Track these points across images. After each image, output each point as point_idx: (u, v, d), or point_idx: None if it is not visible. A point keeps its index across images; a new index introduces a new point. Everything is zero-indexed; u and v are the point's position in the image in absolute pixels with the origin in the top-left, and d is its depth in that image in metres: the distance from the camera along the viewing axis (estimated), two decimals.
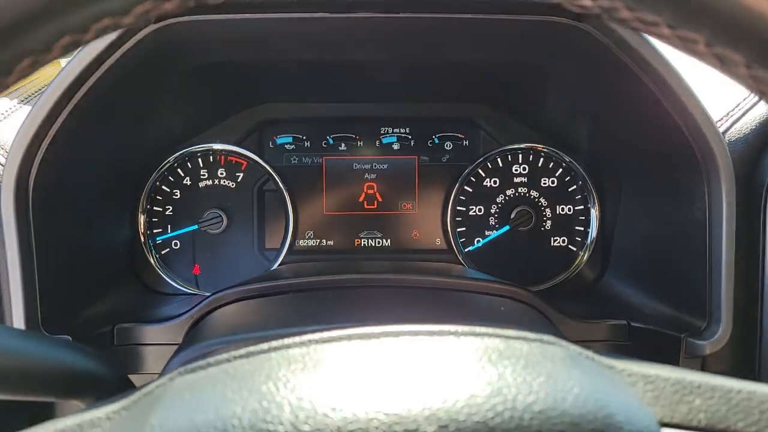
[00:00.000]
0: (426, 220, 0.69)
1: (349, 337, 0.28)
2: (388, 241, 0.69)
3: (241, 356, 0.28)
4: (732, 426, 0.27)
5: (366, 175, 0.68)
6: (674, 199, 0.56)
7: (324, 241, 0.69)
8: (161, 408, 0.26)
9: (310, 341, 0.27)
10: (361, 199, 0.68)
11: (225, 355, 0.28)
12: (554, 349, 0.28)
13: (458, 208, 0.68)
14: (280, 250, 0.67)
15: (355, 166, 0.68)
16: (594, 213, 0.67)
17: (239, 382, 0.26)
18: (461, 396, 0.24)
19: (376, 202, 0.68)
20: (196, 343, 0.44)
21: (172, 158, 0.65)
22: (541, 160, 0.67)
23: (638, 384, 0.28)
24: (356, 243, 0.68)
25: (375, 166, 0.68)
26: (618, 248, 0.65)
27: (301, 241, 0.68)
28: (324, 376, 0.26)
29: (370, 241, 0.68)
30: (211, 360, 0.28)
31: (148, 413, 0.27)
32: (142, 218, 0.65)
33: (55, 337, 0.46)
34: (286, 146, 0.68)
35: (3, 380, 0.36)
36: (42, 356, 0.38)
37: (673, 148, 0.51)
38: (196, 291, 0.66)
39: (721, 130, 0.54)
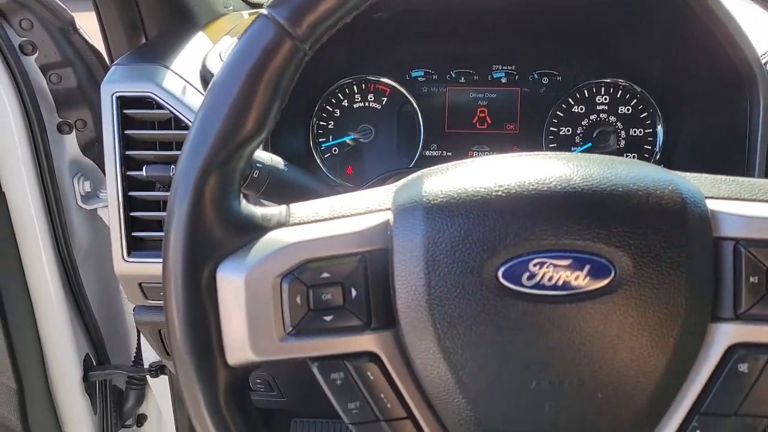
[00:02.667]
0: (525, 138, 0.88)
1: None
2: (494, 153, 0.89)
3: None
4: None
5: (479, 102, 0.88)
6: (722, 114, 0.73)
7: (444, 152, 0.89)
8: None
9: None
10: (474, 121, 0.88)
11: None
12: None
13: (551, 128, 0.86)
14: (412, 158, 0.88)
15: (471, 94, 0.88)
16: (660, 134, 0.84)
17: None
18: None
19: (486, 123, 0.88)
20: None
21: (334, 85, 0.87)
22: (620, 91, 0.85)
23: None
24: (469, 154, 0.89)
25: (486, 95, 0.88)
26: (677, 161, 0.83)
27: (427, 152, 0.89)
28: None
29: (479, 153, 0.89)
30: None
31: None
32: (312, 130, 0.88)
33: None
34: (419, 78, 0.88)
35: None
36: None
37: (722, 73, 0.69)
38: (350, 185, 0.88)
39: (763, 61, 0.71)
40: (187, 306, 0.42)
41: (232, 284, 0.43)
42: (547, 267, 0.41)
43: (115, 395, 1.14)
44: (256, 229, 0.44)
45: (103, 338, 1.08)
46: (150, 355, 1.09)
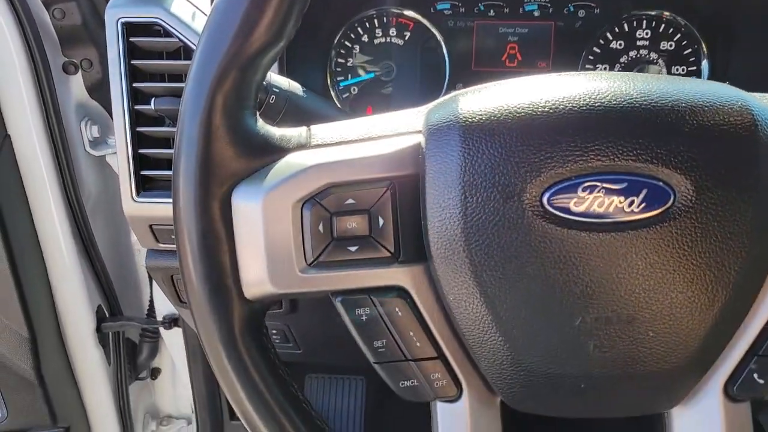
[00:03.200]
0: None
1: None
2: None
3: None
4: None
5: (509, 38, 0.82)
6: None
7: None
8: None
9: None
10: (503, 58, 0.83)
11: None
12: None
13: (586, 66, 0.81)
14: (436, 98, 0.83)
15: (501, 29, 0.82)
16: (705, 71, 0.79)
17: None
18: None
19: (516, 60, 0.83)
20: None
21: (354, 18, 0.82)
22: (662, 25, 0.79)
23: None
24: None
25: (517, 30, 0.82)
26: None
27: (453, 91, 0.84)
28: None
29: None
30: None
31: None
32: (330, 68, 0.83)
33: None
34: (444, 11, 0.83)
35: None
36: None
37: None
38: None
39: None
40: (200, 234, 0.38)
41: (248, 210, 0.39)
42: (599, 192, 0.37)
43: (128, 348, 1.13)
44: (274, 150, 0.40)
45: (114, 290, 1.06)
46: (163, 308, 1.08)
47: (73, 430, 1.06)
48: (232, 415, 1.17)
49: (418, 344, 0.42)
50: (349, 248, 0.40)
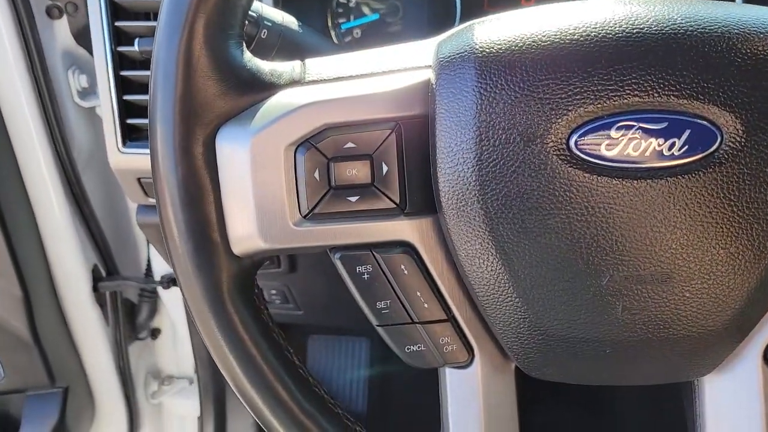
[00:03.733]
0: None
1: None
2: None
3: None
4: None
5: None
6: None
7: None
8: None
9: None
10: None
11: None
12: None
13: None
14: None
15: None
16: None
17: None
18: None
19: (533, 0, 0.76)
20: None
21: None
22: None
23: None
24: None
25: None
26: None
27: None
28: None
29: None
30: None
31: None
32: (330, 8, 0.77)
33: None
34: None
35: None
36: None
37: None
38: None
39: None
40: (181, 182, 0.34)
41: (234, 155, 0.35)
42: (635, 132, 0.32)
43: (127, 308, 1.10)
44: (263, 86, 0.35)
45: (111, 248, 1.03)
46: (161, 267, 1.04)
47: (72, 391, 1.05)
48: None
49: (425, 305, 0.38)
50: (348, 198, 0.36)
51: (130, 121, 0.62)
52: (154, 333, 1.22)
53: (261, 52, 0.49)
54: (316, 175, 0.35)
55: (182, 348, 1.22)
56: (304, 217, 0.36)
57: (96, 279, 1.03)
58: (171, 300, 1.11)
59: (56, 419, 1.01)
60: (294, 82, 0.37)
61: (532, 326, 0.37)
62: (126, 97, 0.61)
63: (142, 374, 1.19)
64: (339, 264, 0.37)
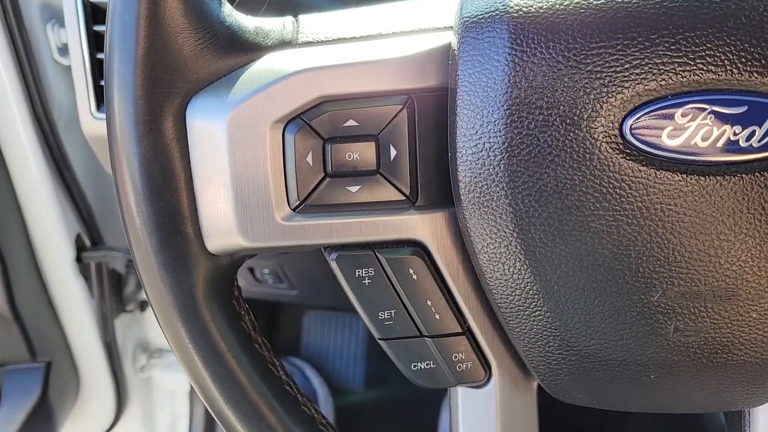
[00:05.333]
0: None
1: None
2: None
3: None
4: None
5: None
6: None
7: None
8: None
9: None
10: None
11: None
12: None
13: None
14: None
15: None
16: None
17: None
18: None
19: None
20: None
21: None
22: None
23: None
24: None
25: None
26: None
27: None
28: None
29: None
30: None
31: None
32: None
33: None
34: None
35: None
36: None
37: None
38: None
39: None
40: (145, 163, 0.28)
41: (208, 132, 0.28)
42: (706, 117, 0.26)
43: (113, 279, 1.05)
44: (246, 47, 0.29)
45: (95, 217, 0.97)
46: None
47: (55, 365, 1.00)
48: None
49: (437, 316, 0.32)
50: (348, 188, 0.30)
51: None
52: (143, 305, 1.18)
53: (248, 6, 0.42)
54: (309, 158, 0.29)
55: None
56: (294, 209, 0.30)
57: (79, 249, 0.98)
58: None
59: (38, 394, 0.97)
60: (284, 44, 0.30)
61: (564, 344, 0.31)
62: (100, 56, 0.54)
63: (130, 348, 1.15)
64: (335, 266, 0.31)
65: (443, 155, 0.30)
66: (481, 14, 0.28)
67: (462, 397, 0.35)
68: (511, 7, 0.27)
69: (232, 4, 0.38)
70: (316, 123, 0.29)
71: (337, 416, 1.16)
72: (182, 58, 0.28)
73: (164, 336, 0.31)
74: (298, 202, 0.30)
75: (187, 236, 0.30)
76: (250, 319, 0.33)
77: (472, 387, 0.35)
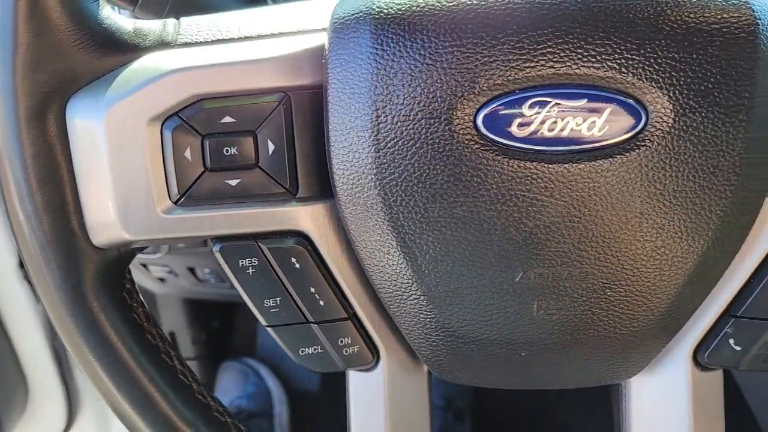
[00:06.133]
0: None
1: None
2: None
3: None
4: None
5: None
6: None
7: None
8: None
9: None
10: None
11: None
12: None
13: None
14: None
15: None
16: None
17: None
18: None
19: None
20: None
21: None
22: None
23: None
24: None
25: None
26: None
27: None
28: None
29: None
30: None
31: None
32: None
33: None
34: None
35: None
36: None
37: None
38: None
39: None
40: (27, 159, 0.29)
41: (87, 130, 0.29)
42: (550, 109, 0.28)
43: None
44: (124, 48, 0.30)
45: None
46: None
47: (1, 372, 0.99)
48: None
49: (321, 303, 0.33)
50: (228, 181, 0.31)
51: None
52: None
53: (151, 6, 0.43)
54: (188, 154, 0.30)
55: None
56: (176, 203, 0.31)
57: None
58: None
59: None
60: (163, 44, 0.31)
61: (440, 326, 0.33)
62: None
63: None
64: (219, 256, 0.32)
65: (321, 150, 0.31)
66: (348, 16, 0.30)
67: (352, 380, 0.37)
68: (374, 9, 0.29)
69: (134, 6, 0.39)
70: (193, 120, 0.30)
71: (293, 416, 1.17)
72: (60, 58, 0.29)
73: (56, 330, 0.32)
74: (178, 196, 0.31)
75: (72, 231, 0.31)
76: (144, 311, 0.34)
77: (362, 370, 0.36)
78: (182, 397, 0.34)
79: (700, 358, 0.35)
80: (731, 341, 0.33)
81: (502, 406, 1.16)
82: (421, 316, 0.33)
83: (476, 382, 0.36)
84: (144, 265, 0.80)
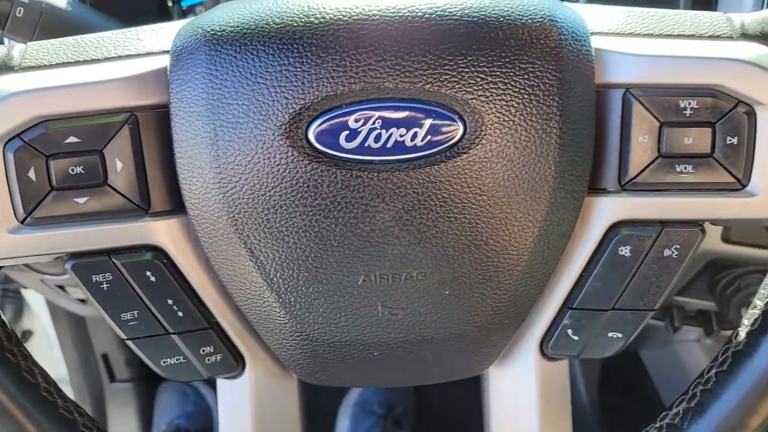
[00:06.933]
0: None
1: None
2: None
3: None
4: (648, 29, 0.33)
5: None
6: None
7: None
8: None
9: None
10: None
11: None
12: None
13: None
14: None
15: None
16: None
17: None
18: None
19: None
20: None
21: None
22: None
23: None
24: None
25: None
26: None
27: None
28: None
29: None
30: None
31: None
32: None
33: None
34: None
35: None
36: None
37: None
38: None
39: None
40: None
41: None
42: (374, 122, 0.30)
43: None
44: None
45: None
46: None
47: None
48: (112, 378, 1.10)
49: (180, 314, 0.34)
50: (75, 200, 0.32)
51: None
52: (25, 335, 1.15)
53: (19, 30, 0.43)
54: (32, 174, 0.31)
55: (58, 350, 1.15)
56: (22, 222, 0.32)
57: None
58: (36, 301, 1.04)
59: None
60: (6, 69, 0.32)
61: (295, 331, 0.34)
62: None
63: None
64: (71, 273, 0.33)
65: (171, 165, 0.33)
66: (189, 37, 0.31)
67: (220, 388, 0.38)
68: (209, 31, 0.31)
69: (2, 30, 0.40)
70: (36, 141, 0.31)
71: None
72: None
73: None
74: (24, 215, 0.32)
75: None
76: (4, 330, 0.35)
77: (229, 378, 0.37)
78: (46, 413, 0.35)
79: (545, 349, 0.37)
80: (569, 332, 0.36)
81: (443, 410, 1.17)
82: (277, 321, 0.34)
83: (338, 382, 0.37)
84: (61, 287, 0.79)
